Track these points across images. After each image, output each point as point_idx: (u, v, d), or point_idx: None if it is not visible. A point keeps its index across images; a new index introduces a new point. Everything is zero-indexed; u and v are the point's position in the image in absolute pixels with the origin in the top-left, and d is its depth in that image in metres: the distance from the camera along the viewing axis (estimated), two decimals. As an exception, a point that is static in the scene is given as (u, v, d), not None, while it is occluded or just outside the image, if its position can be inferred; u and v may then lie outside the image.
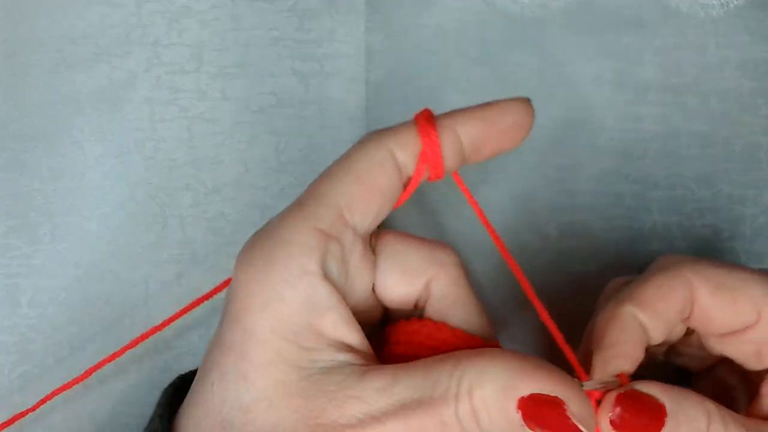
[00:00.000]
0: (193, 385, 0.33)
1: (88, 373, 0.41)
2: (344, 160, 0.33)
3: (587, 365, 0.34)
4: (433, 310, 0.35)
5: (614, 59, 0.47)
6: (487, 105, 0.34)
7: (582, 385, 0.32)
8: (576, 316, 0.45)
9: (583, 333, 0.38)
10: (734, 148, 0.46)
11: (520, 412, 0.29)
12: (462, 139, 0.34)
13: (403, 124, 0.33)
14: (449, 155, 0.33)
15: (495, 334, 0.36)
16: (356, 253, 0.33)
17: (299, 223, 0.31)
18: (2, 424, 0.42)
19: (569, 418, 0.30)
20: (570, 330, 0.45)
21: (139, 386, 0.44)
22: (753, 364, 0.36)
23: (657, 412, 0.32)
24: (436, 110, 0.44)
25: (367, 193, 0.32)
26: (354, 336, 0.31)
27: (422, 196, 0.45)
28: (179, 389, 0.35)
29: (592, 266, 0.46)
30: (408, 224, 0.45)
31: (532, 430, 0.29)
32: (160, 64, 0.45)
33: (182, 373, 0.37)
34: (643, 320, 0.34)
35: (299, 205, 0.32)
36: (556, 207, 0.46)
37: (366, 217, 0.33)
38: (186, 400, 0.33)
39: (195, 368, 0.35)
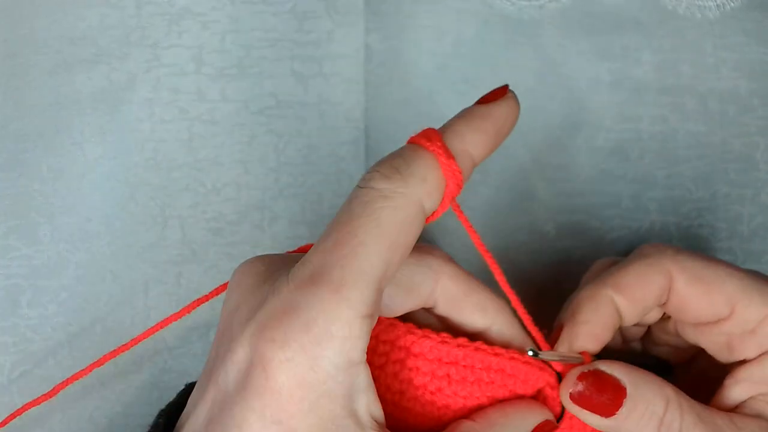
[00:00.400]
0: None
1: (86, 371, 0.41)
2: (373, 223, 0.29)
3: (557, 338, 0.36)
4: (443, 309, 0.35)
5: (612, 60, 0.47)
6: (487, 115, 0.33)
7: (539, 354, 0.34)
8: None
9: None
10: (731, 148, 0.47)
11: None
12: (475, 159, 0.33)
13: (425, 167, 0.31)
14: (465, 180, 0.32)
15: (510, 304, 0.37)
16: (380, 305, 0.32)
17: (344, 313, 0.28)
18: (2, 421, 0.42)
19: None
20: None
21: (138, 387, 0.44)
22: (724, 356, 0.37)
23: (617, 393, 0.34)
24: (434, 111, 0.44)
25: (399, 256, 0.30)
26: (380, 411, 0.31)
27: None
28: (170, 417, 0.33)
29: (590, 266, 0.46)
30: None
31: None
32: (160, 66, 0.46)
33: (162, 408, 0.34)
34: (619, 303, 0.36)
35: (336, 286, 0.29)
36: (554, 207, 0.46)
37: (394, 275, 0.31)
38: None
39: (175, 399, 0.34)
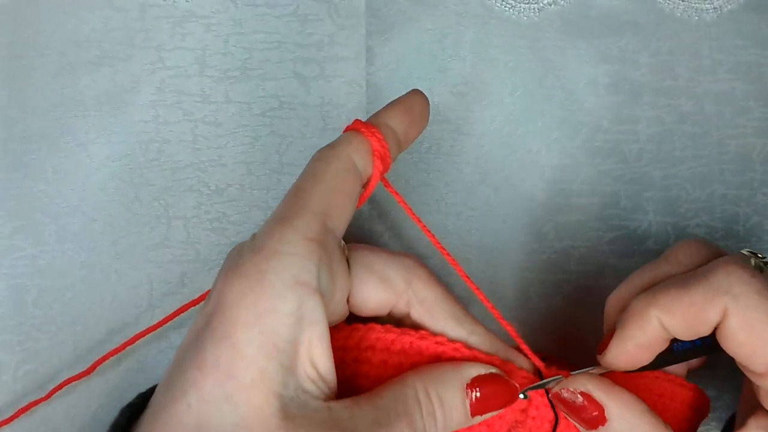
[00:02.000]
0: (157, 404, 0.32)
1: (92, 368, 0.42)
2: (312, 175, 0.35)
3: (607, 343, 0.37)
4: (417, 313, 0.37)
5: (610, 63, 0.47)
6: (397, 100, 0.39)
7: (527, 391, 0.37)
8: (573, 315, 0.46)
9: (608, 300, 0.39)
10: (728, 149, 0.47)
11: (469, 391, 0.35)
12: (395, 129, 0.38)
13: (349, 134, 0.37)
14: (392, 146, 0.37)
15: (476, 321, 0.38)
16: (337, 257, 0.34)
17: (289, 235, 0.32)
18: (9, 417, 0.42)
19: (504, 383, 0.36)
20: (566, 327, 0.46)
21: (142, 386, 0.44)
22: (754, 387, 0.36)
23: (600, 416, 0.35)
24: (435, 113, 0.44)
25: (340, 199, 0.35)
26: (325, 359, 0.32)
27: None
28: (140, 409, 0.34)
29: (588, 266, 0.46)
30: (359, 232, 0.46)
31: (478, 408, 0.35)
32: (164, 68, 0.46)
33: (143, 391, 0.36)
34: (667, 324, 0.35)
35: (283, 219, 0.33)
36: (553, 207, 0.46)
37: (341, 220, 0.35)
38: (149, 420, 0.32)
39: (155, 385, 0.34)
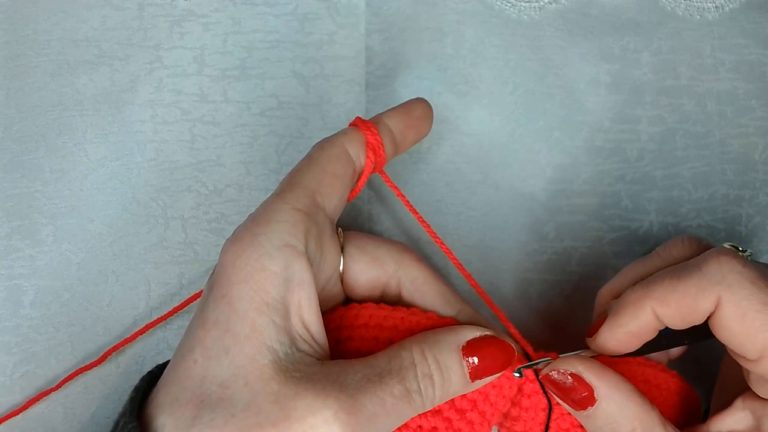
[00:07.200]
0: (170, 365, 0.34)
1: (103, 357, 0.43)
2: (307, 158, 0.38)
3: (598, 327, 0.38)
4: (407, 292, 0.39)
5: (611, 62, 0.47)
6: (400, 105, 0.41)
7: (521, 369, 0.37)
8: (573, 315, 0.46)
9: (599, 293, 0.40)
10: (730, 149, 0.47)
11: (463, 352, 0.36)
12: (392, 128, 0.40)
13: (346, 128, 0.39)
14: (387, 143, 0.39)
15: (468, 306, 0.39)
16: (327, 233, 0.37)
17: (280, 206, 0.35)
18: (3, 417, 0.42)
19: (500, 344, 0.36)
20: (567, 327, 0.46)
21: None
22: (745, 372, 0.37)
23: (590, 397, 0.36)
24: (435, 112, 0.44)
25: (330, 179, 0.37)
26: (315, 320, 0.34)
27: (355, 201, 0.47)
28: (157, 376, 0.36)
29: (589, 266, 0.46)
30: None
31: (475, 374, 0.36)
32: (162, 67, 0.46)
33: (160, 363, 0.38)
34: (660, 314, 0.36)
35: (277, 194, 0.36)
36: (554, 207, 0.46)
37: (332, 199, 0.37)
38: (162, 380, 0.34)
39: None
